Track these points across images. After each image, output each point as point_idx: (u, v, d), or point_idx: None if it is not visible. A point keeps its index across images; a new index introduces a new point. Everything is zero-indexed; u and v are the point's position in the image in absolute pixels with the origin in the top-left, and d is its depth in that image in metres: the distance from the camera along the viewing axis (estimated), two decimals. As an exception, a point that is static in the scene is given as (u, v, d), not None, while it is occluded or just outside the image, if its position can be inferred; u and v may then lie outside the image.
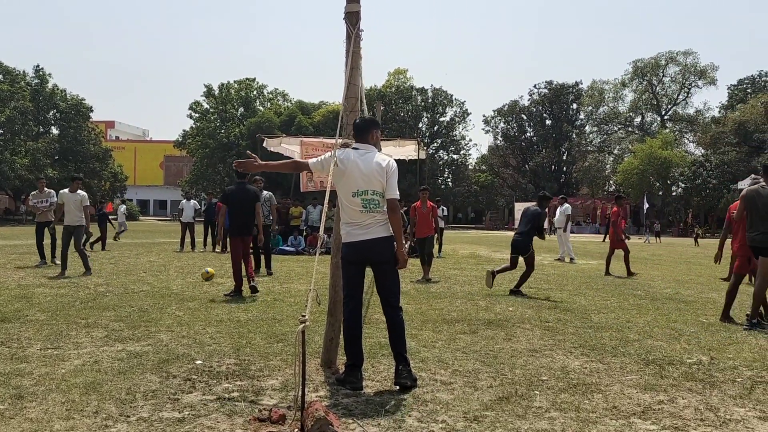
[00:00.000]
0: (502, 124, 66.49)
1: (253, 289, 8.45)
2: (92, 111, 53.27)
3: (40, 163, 44.96)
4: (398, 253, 4.27)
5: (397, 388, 4.15)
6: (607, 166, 64.42)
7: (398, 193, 4.31)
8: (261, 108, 59.98)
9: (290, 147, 20.87)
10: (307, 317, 3.63)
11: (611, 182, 63.34)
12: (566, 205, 17.24)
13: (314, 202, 18.77)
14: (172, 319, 6.51)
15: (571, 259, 16.49)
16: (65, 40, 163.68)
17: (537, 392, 4.16)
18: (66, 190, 11.01)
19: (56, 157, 49.30)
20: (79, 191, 10.95)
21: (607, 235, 12.68)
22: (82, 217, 10.81)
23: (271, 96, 63.01)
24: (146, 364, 4.63)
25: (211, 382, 4.23)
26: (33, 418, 3.44)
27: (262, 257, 11.93)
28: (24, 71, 49.83)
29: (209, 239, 18.27)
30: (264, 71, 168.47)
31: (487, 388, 4.23)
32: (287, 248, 17.38)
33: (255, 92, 61.76)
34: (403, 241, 4.34)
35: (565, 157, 65.36)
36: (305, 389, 3.52)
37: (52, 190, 12.91)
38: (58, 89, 51.43)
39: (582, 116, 66.17)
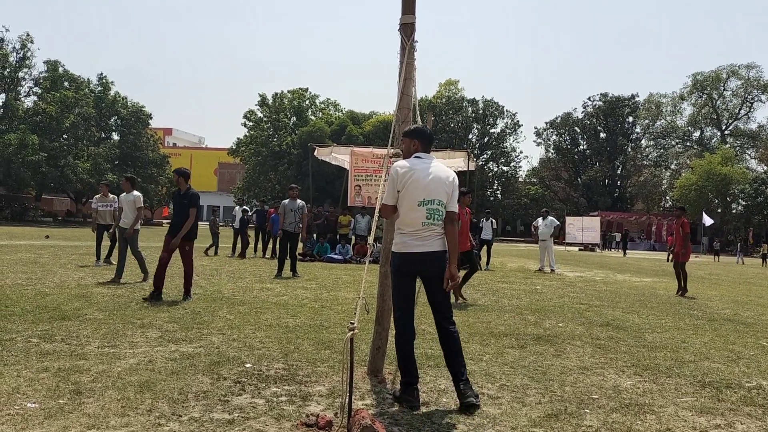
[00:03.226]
0: (554, 137, 65.58)
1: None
2: (151, 118, 55.19)
3: (101, 168, 46.72)
4: (451, 269, 4.10)
5: (461, 406, 3.97)
6: (664, 182, 62.62)
7: (457, 207, 4.30)
8: (313, 117, 60.86)
9: (340, 156, 21.07)
10: (355, 325, 3.65)
11: (668, 198, 61.52)
12: (549, 218, 17.59)
13: (362, 211, 18.91)
14: (223, 322, 6.65)
15: (548, 269, 17.07)
16: (128, 50, 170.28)
17: (587, 411, 4.06)
18: (125, 194, 10.70)
19: (116, 162, 51.15)
20: (135, 192, 10.71)
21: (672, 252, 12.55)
22: (133, 219, 10.47)
23: (322, 106, 63.89)
24: (198, 365, 4.74)
25: (260, 385, 4.30)
26: (90, 414, 3.56)
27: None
28: (88, 79, 52.05)
29: (260, 245, 18.58)
30: (316, 81, 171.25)
31: (535, 404, 4.16)
32: (335, 256, 17.52)
33: (307, 102, 62.74)
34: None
35: (619, 171, 63.94)
36: (352, 397, 3.54)
37: (115, 196, 13.44)
38: (119, 96, 53.49)
39: (638, 130, 64.67)
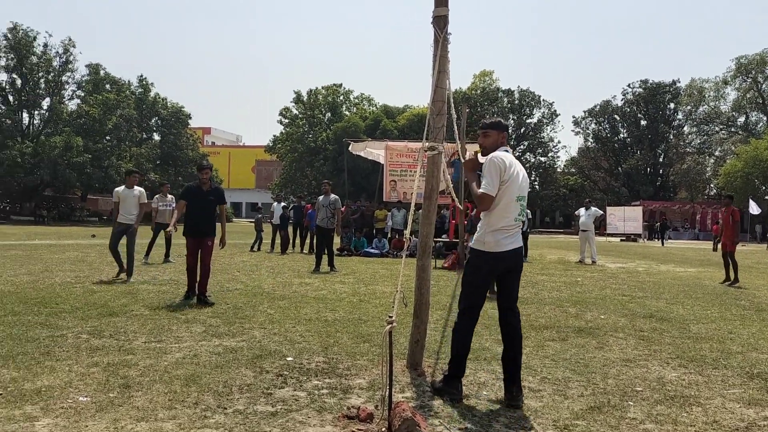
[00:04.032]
0: (593, 125, 64.29)
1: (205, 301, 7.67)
2: (191, 118, 56.27)
3: (143, 168, 47.76)
4: None
5: (505, 404, 3.96)
6: (708, 169, 60.84)
7: None
8: (347, 113, 61.01)
9: (375, 151, 21.15)
10: (394, 318, 3.68)
11: (712, 185, 59.79)
12: (593, 208, 17.46)
13: (398, 205, 18.93)
14: (264, 316, 6.76)
15: (589, 260, 16.84)
16: (167, 51, 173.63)
17: (631, 403, 4.01)
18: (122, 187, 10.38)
19: (158, 162, 52.26)
20: (136, 187, 10.35)
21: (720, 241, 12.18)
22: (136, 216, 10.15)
23: (356, 101, 63.98)
24: (241, 359, 4.83)
25: (302, 378, 4.36)
26: (139, 407, 3.68)
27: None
28: (129, 81, 53.26)
29: (297, 240, 18.77)
30: (350, 76, 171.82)
31: (577, 397, 4.12)
32: (372, 250, 17.59)
33: (341, 97, 62.92)
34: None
35: (661, 159, 62.38)
36: (392, 389, 3.57)
37: (173, 196, 13.93)
38: (159, 98, 54.61)
39: (680, 116, 62.89)
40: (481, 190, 3.99)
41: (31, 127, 46.68)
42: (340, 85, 62.35)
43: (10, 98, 45.56)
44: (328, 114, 61.59)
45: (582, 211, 17.24)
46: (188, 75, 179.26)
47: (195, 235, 7.90)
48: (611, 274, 13.42)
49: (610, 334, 6.34)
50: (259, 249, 18.05)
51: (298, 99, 61.25)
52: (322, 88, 61.70)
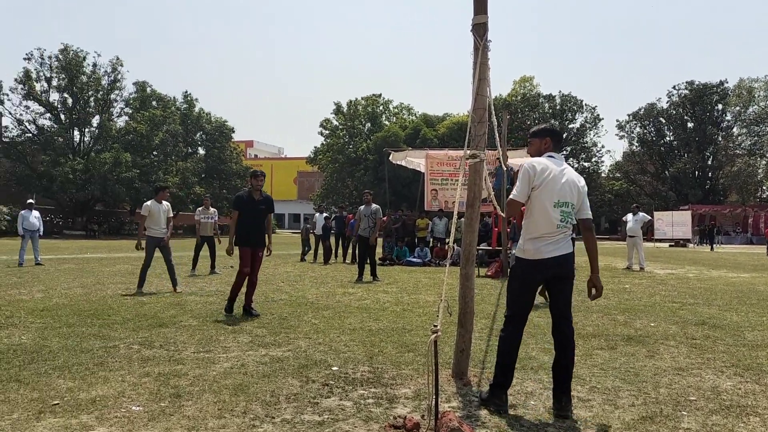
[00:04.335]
0: (638, 129, 62.95)
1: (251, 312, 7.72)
2: (234, 132, 57.44)
3: (189, 182, 48.88)
4: (593, 279, 4.02)
5: (554, 414, 3.89)
6: (759, 171, 58.77)
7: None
8: (387, 123, 61.32)
9: (415, 160, 21.17)
10: (438, 328, 3.66)
11: (764, 188, 57.74)
12: (641, 214, 17.00)
13: (439, 213, 18.88)
14: (309, 326, 6.82)
15: (637, 267, 16.58)
16: (210, 67, 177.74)
17: (684, 413, 3.90)
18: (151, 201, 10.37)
19: (203, 176, 53.44)
20: (164, 201, 10.43)
21: None
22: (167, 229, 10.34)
23: (396, 110, 64.25)
24: (287, 368, 4.88)
25: (347, 388, 4.38)
26: (190, 416, 3.75)
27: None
28: (174, 97, 54.74)
29: (339, 251, 18.91)
30: (390, 86, 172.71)
31: (628, 406, 4.03)
32: (414, 259, 17.56)
33: (381, 107, 63.30)
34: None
35: (710, 162, 60.60)
36: (438, 399, 3.55)
37: (215, 209, 14.27)
38: (204, 113, 55.94)
39: (729, 117, 61.04)
40: (509, 197, 4.03)
41: (81, 145, 48.32)
42: (380, 95, 62.81)
43: (62, 117, 47.29)
44: (368, 124, 62.03)
45: (629, 216, 16.90)
46: (231, 90, 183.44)
47: (247, 245, 7.87)
48: (660, 281, 13.08)
49: (661, 342, 6.17)
50: (303, 259, 18.38)
51: (338, 110, 61.88)
52: (362, 98, 62.23)
